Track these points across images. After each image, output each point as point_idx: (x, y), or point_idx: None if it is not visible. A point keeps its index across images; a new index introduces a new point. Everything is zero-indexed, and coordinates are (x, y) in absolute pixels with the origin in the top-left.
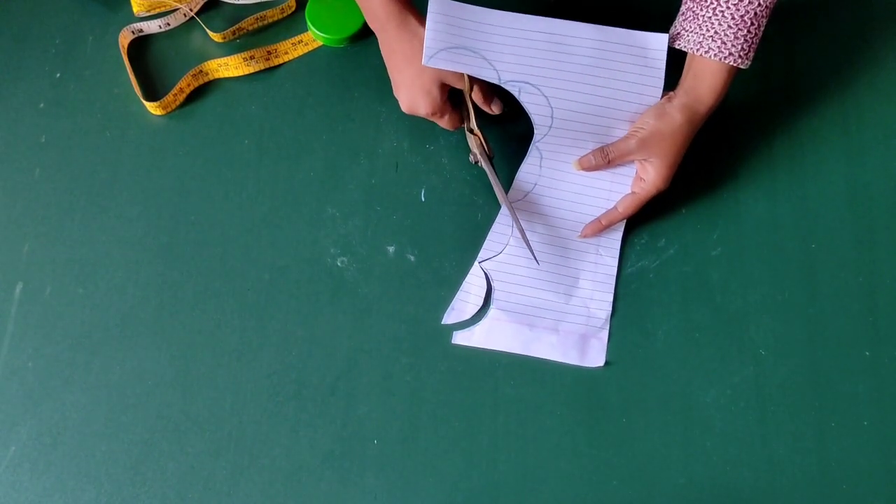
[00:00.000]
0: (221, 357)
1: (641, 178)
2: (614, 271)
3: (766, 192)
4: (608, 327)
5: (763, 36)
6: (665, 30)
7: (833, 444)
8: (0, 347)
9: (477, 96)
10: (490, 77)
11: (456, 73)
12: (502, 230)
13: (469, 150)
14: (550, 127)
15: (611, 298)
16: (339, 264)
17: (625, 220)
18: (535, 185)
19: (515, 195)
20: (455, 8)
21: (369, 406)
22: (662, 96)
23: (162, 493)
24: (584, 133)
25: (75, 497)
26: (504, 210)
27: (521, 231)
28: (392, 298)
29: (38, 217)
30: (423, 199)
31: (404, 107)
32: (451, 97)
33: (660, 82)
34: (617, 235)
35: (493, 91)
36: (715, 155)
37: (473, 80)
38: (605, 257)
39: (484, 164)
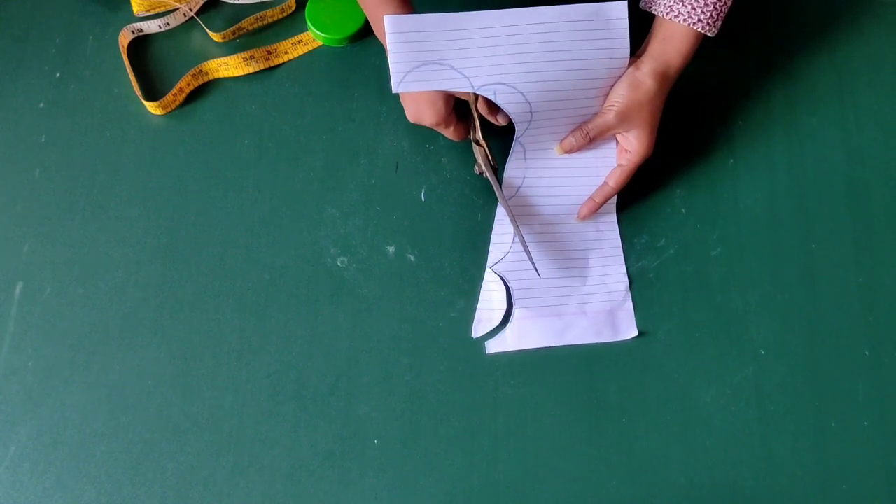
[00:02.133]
0: (221, 357)
1: (626, 150)
2: (619, 242)
3: (766, 191)
4: (630, 297)
5: (763, 35)
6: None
7: (833, 444)
8: (0, 347)
9: (482, 107)
10: (463, 87)
11: None
12: (503, 231)
13: (475, 161)
14: (530, 122)
15: (624, 269)
16: (339, 264)
17: (616, 194)
18: (524, 178)
19: (507, 192)
20: (411, 22)
21: (369, 406)
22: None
23: (162, 492)
24: (562, 119)
25: (75, 497)
26: (501, 213)
27: (523, 242)
28: (392, 298)
29: (38, 217)
30: (423, 199)
31: (410, 117)
32: (457, 108)
33: (626, 51)
34: (611, 209)
35: (496, 105)
36: (714, 154)
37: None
38: (605, 231)
39: (489, 176)
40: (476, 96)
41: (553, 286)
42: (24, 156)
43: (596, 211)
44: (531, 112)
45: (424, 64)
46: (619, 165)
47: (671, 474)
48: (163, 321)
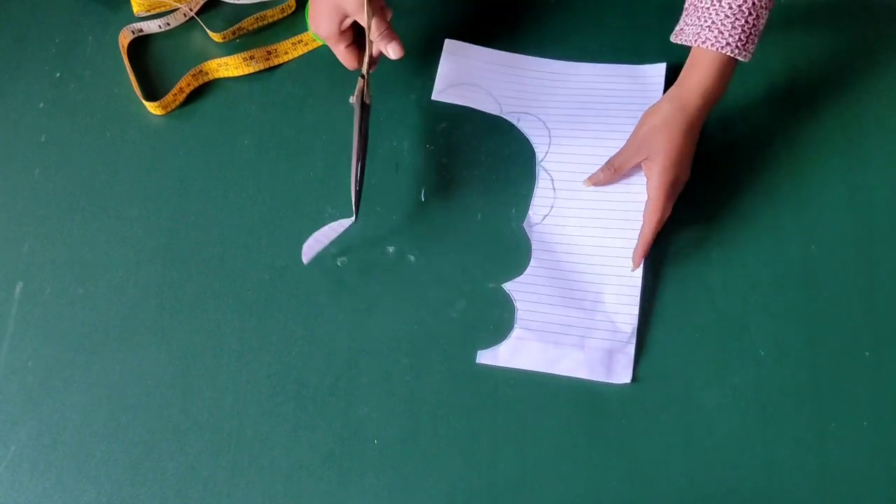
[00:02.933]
0: (221, 357)
1: (649, 178)
2: (639, 282)
3: (766, 193)
4: (634, 341)
5: (763, 36)
6: (665, 36)
7: (833, 445)
8: (0, 347)
9: (374, 34)
10: (492, 109)
11: (356, 4)
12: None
13: (352, 91)
14: (549, 144)
15: (636, 311)
16: (338, 264)
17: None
18: (552, 206)
19: (534, 219)
20: (466, 49)
21: (369, 406)
22: None
23: (162, 493)
24: (587, 154)
25: (75, 497)
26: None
27: (357, 183)
28: (392, 298)
29: (38, 217)
30: (423, 199)
31: (311, 26)
32: (358, 36)
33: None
34: None
35: (392, 35)
36: (715, 156)
37: (379, 17)
38: (627, 269)
39: (356, 108)
40: (370, 25)
41: (559, 314)
42: (24, 156)
43: (647, 250)
44: (550, 137)
45: (464, 83)
46: (648, 197)
47: (671, 475)
48: (163, 321)
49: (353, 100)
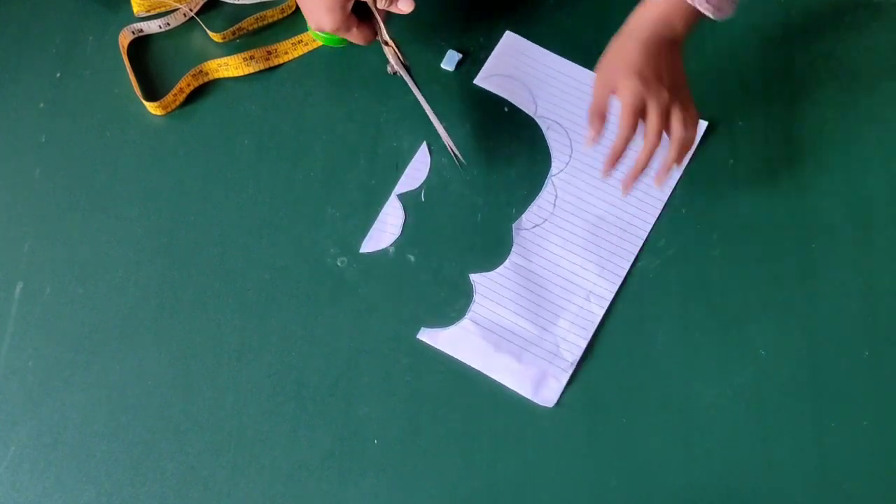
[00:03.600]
0: (221, 357)
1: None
2: (597, 320)
3: (766, 192)
4: (571, 371)
5: (762, 36)
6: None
7: (833, 444)
8: (0, 347)
9: (381, 2)
10: (528, 108)
11: None
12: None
13: (386, 62)
14: (568, 163)
15: (584, 344)
16: (339, 264)
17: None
18: (546, 220)
19: (525, 224)
20: (521, 43)
21: (369, 406)
22: None
23: (162, 493)
24: (596, 182)
25: (75, 497)
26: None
27: (447, 138)
28: (392, 298)
29: (38, 217)
30: (423, 199)
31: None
32: (358, 11)
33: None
34: (612, 288)
35: None
36: (714, 155)
37: None
38: (593, 304)
39: (402, 73)
40: None
41: (510, 320)
42: (24, 156)
43: (613, 163)
44: (571, 156)
45: (509, 76)
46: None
47: (671, 475)
48: (163, 321)
49: (391, 69)
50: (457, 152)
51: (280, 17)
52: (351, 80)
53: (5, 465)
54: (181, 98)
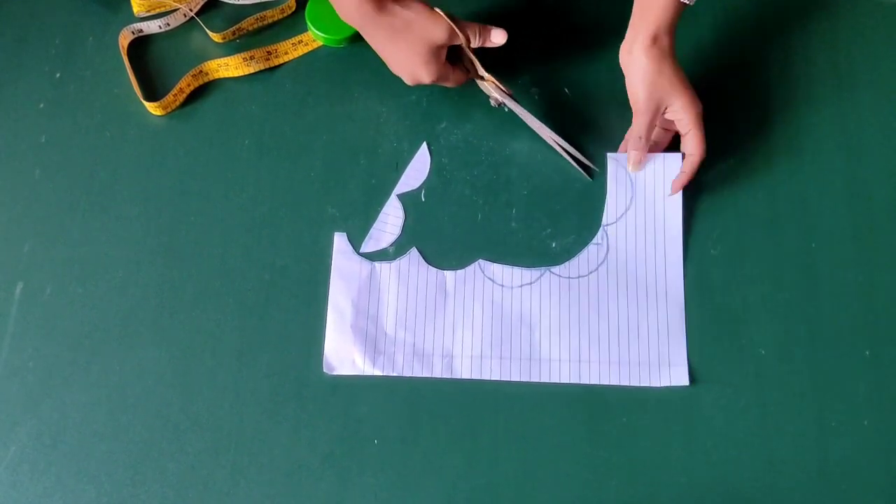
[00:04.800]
0: (221, 357)
1: (681, 120)
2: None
3: (766, 191)
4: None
5: (762, 35)
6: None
7: (833, 444)
8: (0, 347)
9: (475, 42)
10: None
11: (445, 30)
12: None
13: (488, 97)
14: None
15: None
16: None
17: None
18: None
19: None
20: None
21: (369, 406)
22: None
23: (162, 492)
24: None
25: (75, 497)
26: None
27: (564, 149)
28: None
29: (38, 217)
30: (423, 199)
31: (408, 81)
32: (450, 55)
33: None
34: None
35: (485, 26)
36: (714, 154)
37: (464, 28)
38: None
39: (509, 103)
40: (467, 37)
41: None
42: (24, 156)
43: (686, 183)
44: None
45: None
46: (685, 134)
47: (671, 474)
48: (163, 321)
49: (495, 102)
50: (588, 163)
51: (280, 17)
52: (351, 80)
53: (5, 465)
54: (181, 98)
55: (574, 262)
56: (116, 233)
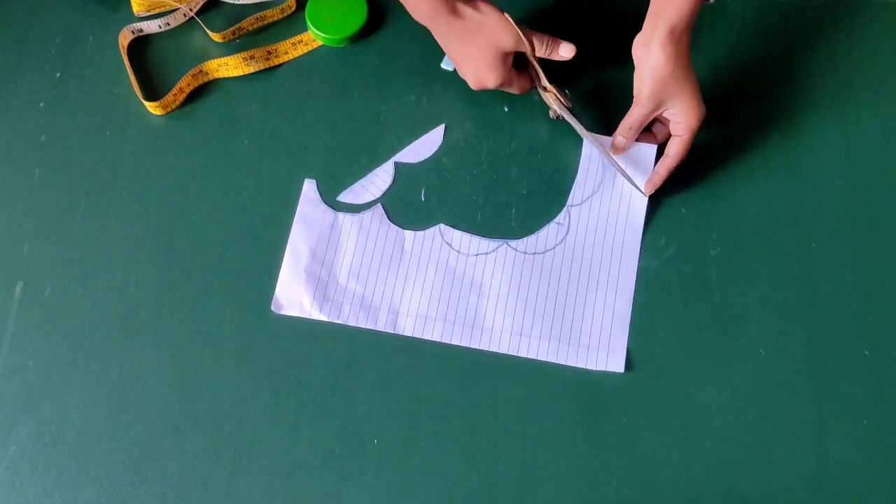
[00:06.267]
0: (221, 357)
1: (677, 122)
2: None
3: (765, 191)
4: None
5: (762, 35)
6: None
7: (833, 444)
8: (0, 347)
9: (541, 51)
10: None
11: (512, 36)
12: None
13: (548, 108)
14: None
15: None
16: None
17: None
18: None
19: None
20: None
21: (369, 406)
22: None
23: (162, 492)
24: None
25: (75, 497)
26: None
27: (615, 164)
28: None
29: (38, 217)
30: (423, 199)
31: (473, 84)
32: (516, 61)
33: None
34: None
35: (555, 39)
36: (714, 155)
37: (532, 36)
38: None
39: (567, 117)
40: (532, 45)
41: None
42: (24, 156)
43: (660, 184)
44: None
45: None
46: (675, 136)
47: (671, 474)
48: (163, 321)
49: (553, 114)
50: (639, 185)
51: (280, 17)
52: (351, 80)
53: (5, 464)
54: (181, 98)
55: (533, 238)
56: (116, 233)
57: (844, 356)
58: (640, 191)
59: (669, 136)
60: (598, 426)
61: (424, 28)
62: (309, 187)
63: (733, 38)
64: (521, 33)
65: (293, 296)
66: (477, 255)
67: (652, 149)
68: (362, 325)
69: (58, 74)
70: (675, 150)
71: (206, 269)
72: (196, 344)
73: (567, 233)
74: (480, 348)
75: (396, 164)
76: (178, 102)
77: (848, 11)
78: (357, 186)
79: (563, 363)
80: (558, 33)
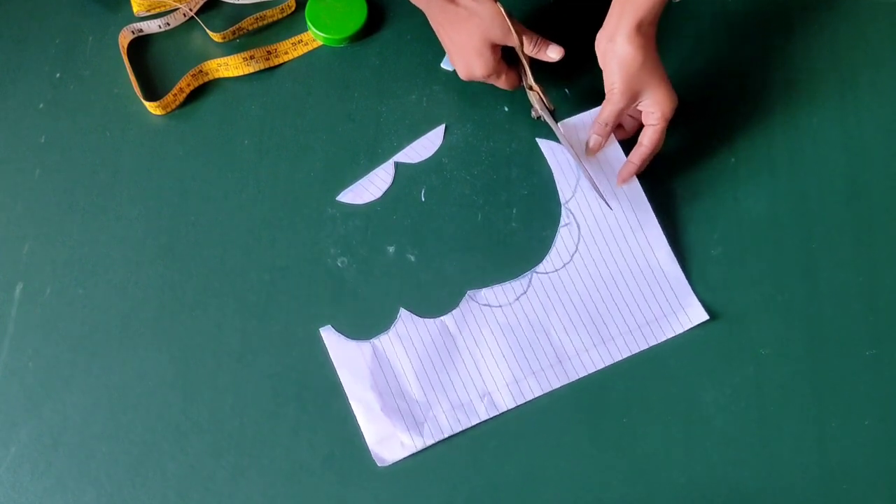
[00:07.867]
0: (222, 357)
1: (651, 112)
2: (472, 423)
3: (766, 191)
4: (422, 447)
5: (763, 35)
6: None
7: (833, 444)
8: (0, 347)
9: (529, 48)
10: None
11: (502, 28)
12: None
13: (531, 107)
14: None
15: (445, 435)
16: (339, 264)
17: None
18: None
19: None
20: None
21: None
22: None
23: (162, 493)
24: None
25: (75, 498)
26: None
27: (590, 179)
28: (392, 298)
29: (38, 217)
30: (423, 199)
31: (462, 73)
32: (506, 56)
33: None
34: (510, 401)
35: (545, 39)
36: (714, 154)
37: (522, 33)
38: (483, 404)
39: (546, 119)
40: (522, 41)
41: (405, 370)
42: (24, 156)
43: (634, 174)
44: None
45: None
46: (650, 125)
47: (671, 474)
48: (163, 322)
49: (535, 114)
50: (606, 198)
51: (280, 17)
52: (351, 80)
53: (6, 465)
54: (181, 98)
55: (553, 253)
56: (116, 233)
57: (846, 356)
58: (609, 205)
59: (639, 127)
60: (599, 426)
61: (424, 28)
62: (328, 334)
63: (734, 38)
64: (511, 27)
65: (388, 442)
66: (517, 298)
67: (618, 149)
68: (467, 426)
69: (58, 75)
70: (649, 139)
71: (206, 269)
72: (196, 345)
73: (579, 229)
74: (579, 377)
75: (396, 164)
76: (178, 102)
77: (850, 10)
78: (357, 186)
79: (653, 344)
80: (558, 33)
